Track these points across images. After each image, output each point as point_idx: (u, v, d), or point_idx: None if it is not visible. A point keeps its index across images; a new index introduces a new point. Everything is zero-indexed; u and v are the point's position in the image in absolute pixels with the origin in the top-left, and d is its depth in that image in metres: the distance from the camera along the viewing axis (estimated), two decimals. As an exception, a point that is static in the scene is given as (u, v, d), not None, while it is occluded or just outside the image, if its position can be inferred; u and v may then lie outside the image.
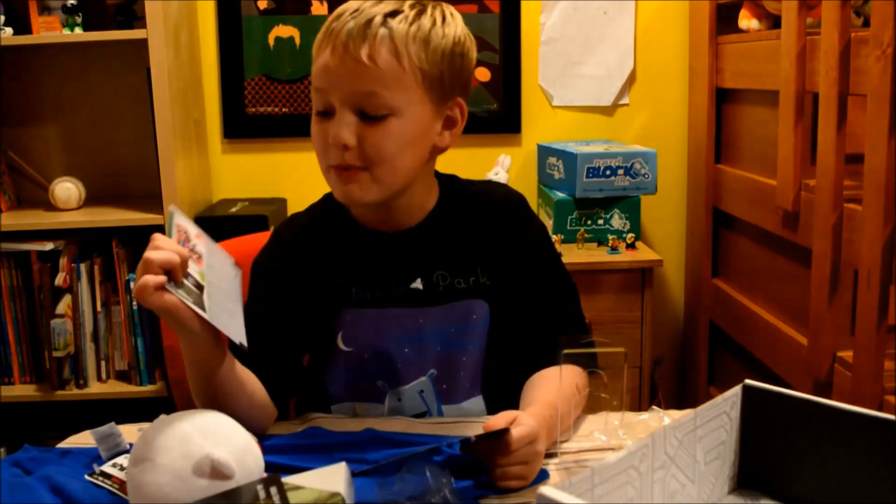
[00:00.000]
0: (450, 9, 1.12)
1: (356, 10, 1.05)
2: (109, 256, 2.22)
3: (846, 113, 1.58)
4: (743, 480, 0.91)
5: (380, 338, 1.16)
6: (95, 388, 2.23)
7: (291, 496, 0.81)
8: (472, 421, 1.14)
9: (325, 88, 1.06)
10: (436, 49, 1.06)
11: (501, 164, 2.33)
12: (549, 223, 2.27)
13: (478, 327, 1.18)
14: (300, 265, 1.18)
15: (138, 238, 1.94)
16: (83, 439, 1.08)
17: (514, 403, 1.10)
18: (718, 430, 0.87)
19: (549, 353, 1.13)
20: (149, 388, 2.23)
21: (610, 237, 2.19)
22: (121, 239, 2.22)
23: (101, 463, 0.99)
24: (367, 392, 1.19)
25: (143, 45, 2.07)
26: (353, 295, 1.16)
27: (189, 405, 1.03)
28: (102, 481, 0.96)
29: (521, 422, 0.95)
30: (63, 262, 2.16)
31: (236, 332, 0.97)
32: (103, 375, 2.25)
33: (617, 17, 2.45)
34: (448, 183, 1.22)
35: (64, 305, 2.17)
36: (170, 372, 1.35)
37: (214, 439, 0.85)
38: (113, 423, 1.03)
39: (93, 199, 2.32)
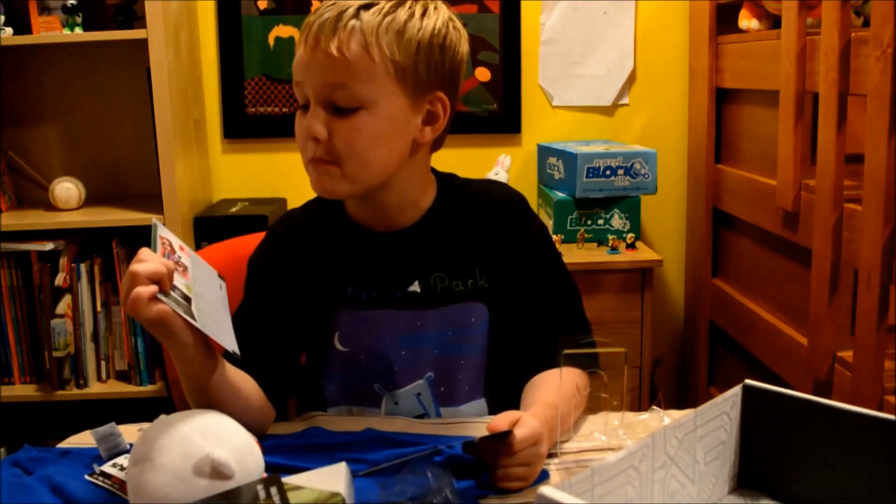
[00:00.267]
0: (435, 3, 1.10)
1: (331, 5, 1.05)
2: (109, 256, 2.22)
3: (846, 113, 1.58)
4: (743, 480, 0.91)
5: (376, 340, 1.16)
6: (95, 388, 2.23)
7: (291, 496, 0.81)
8: (473, 421, 1.14)
9: (300, 82, 1.07)
10: (410, 40, 1.05)
11: (501, 164, 2.33)
12: (549, 223, 2.27)
13: (476, 330, 1.18)
14: (296, 262, 1.17)
15: (138, 238, 1.94)
16: (83, 439, 1.08)
17: (517, 406, 1.10)
18: (718, 430, 0.87)
19: (551, 355, 1.12)
20: (149, 388, 2.24)
21: (610, 237, 2.19)
22: (121, 239, 2.22)
23: (101, 463, 0.99)
24: (363, 396, 1.19)
25: (143, 45, 2.07)
26: (349, 295, 1.16)
27: (189, 405, 1.02)
28: (102, 481, 0.96)
29: (525, 423, 0.95)
30: (63, 262, 2.16)
31: (228, 340, 0.97)
32: (103, 375, 2.25)
33: (617, 17, 2.45)
34: (446, 182, 1.21)
35: (64, 305, 2.17)
36: (170, 372, 1.35)
37: (214, 439, 0.85)
38: (113, 423, 1.02)
39: (93, 199, 2.32)
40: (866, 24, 1.67)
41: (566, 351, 1.01)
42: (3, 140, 2.38)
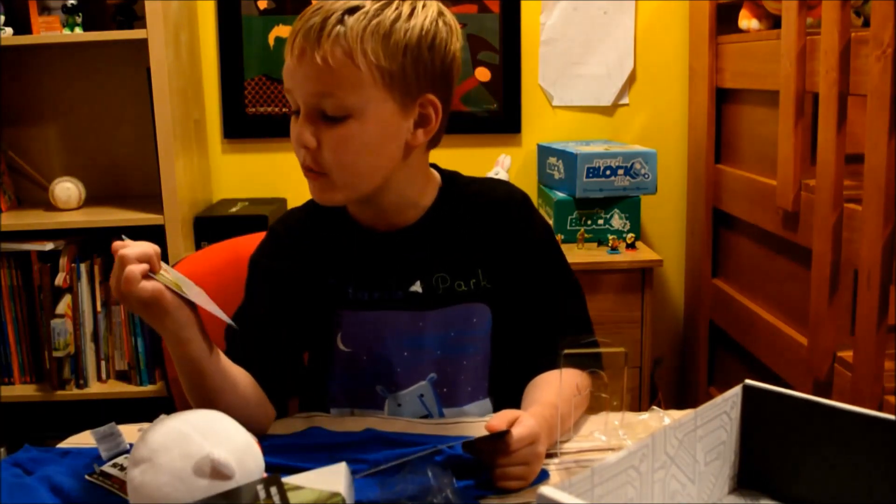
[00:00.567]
0: (424, 0, 1.07)
1: (318, 9, 1.03)
2: (109, 256, 2.19)
3: (846, 113, 1.58)
4: (743, 480, 0.91)
5: (378, 341, 1.16)
6: (95, 388, 2.23)
7: (291, 496, 0.81)
8: (472, 421, 1.14)
9: (290, 89, 1.06)
10: (396, 44, 1.02)
11: (501, 164, 2.33)
12: (549, 223, 2.27)
13: (478, 331, 1.17)
14: (296, 262, 1.17)
15: (138, 238, 1.93)
16: (83, 439, 1.08)
17: (516, 407, 1.10)
18: (718, 430, 0.87)
19: (553, 355, 1.11)
20: (149, 388, 2.24)
21: (610, 237, 2.19)
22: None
23: (101, 463, 0.99)
24: (366, 398, 1.18)
25: (143, 45, 2.07)
26: (350, 295, 1.16)
27: (189, 405, 1.02)
28: (102, 481, 0.96)
29: (522, 422, 0.95)
30: (63, 262, 2.16)
31: (222, 315, 0.98)
32: (103, 375, 2.25)
33: (617, 17, 2.45)
34: (449, 180, 1.20)
35: (64, 305, 2.17)
36: (170, 372, 1.35)
37: (214, 439, 0.85)
38: (113, 423, 1.02)
39: (93, 199, 2.32)
40: (866, 24, 1.67)
41: (566, 351, 1.01)
42: (3, 140, 2.38)
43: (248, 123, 2.46)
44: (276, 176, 2.48)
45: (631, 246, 2.19)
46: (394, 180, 1.11)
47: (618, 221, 2.25)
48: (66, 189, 2.24)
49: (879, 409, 1.09)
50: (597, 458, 1.00)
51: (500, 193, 1.22)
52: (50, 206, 2.26)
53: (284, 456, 1.00)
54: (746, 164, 2.15)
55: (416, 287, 1.15)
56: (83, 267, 2.19)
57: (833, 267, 1.61)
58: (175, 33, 2.17)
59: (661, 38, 2.48)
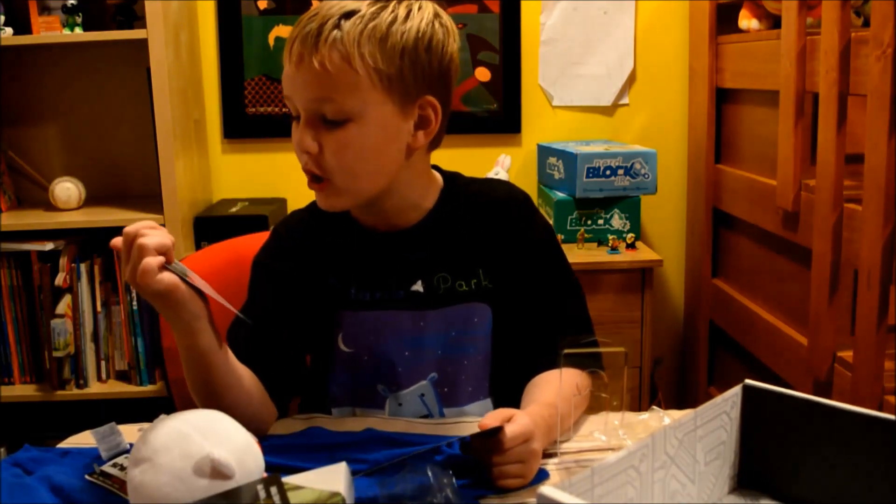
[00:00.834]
0: (420, 2, 1.07)
1: (314, 14, 1.04)
2: (109, 256, 2.22)
3: (846, 113, 1.58)
4: (743, 480, 0.91)
5: (379, 340, 1.16)
6: (95, 388, 2.23)
7: (291, 496, 0.81)
8: (472, 421, 1.13)
9: (289, 96, 1.07)
10: (393, 46, 1.03)
11: (501, 164, 2.33)
12: (550, 223, 2.27)
13: (479, 331, 1.17)
14: (299, 263, 1.17)
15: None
16: (83, 439, 1.08)
17: (516, 406, 1.10)
18: (718, 430, 0.87)
19: (553, 355, 1.11)
20: (149, 388, 2.24)
21: (610, 237, 2.19)
22: (121, 239, 2.22)
23: (101, 463, 0.99)
24: (367, 396, 1.18)
25: (143, 45, 2.07)
26: (352, 295, 1.16)
27: (189, 405, 1.02)
28: (102, 481, 0.96)
29: (516, 420, 0.95)
30: (63, 262, 2.16)
31: (233, 307, 0.99)
32: (103, 375, 2.25)
33: (617, 17, 2.45)
34: (450, 181, 1.20)
35: (64, 305, 2.17)
36: (170, 372, 1.36)
37: (214, 439, 0.85)
38: (113, 423, 1.02)
39: (93, 199, 2.32)
40: (866, 24, 1.67)
41: (566, 351, 1.01)
42: (3, 140, 2.38)
43: (248, 123, 2.46)
44: (276, 176, 2.48)
45: (631, 246, 2.19)
46: (396, 183, 1.11)
47: (618, 221, 2.25)
48: (66, 189, 2.24)
49: (879, 409, 1.09)
50: (597, 458, 1.00)
51: (501, 194, 1.22)
52: (50, 206, 2.26)
53: (284, 456, 1.00)
54: (746, 164, 2.15)
55: (418, 287, 1.16)
56: (83, 267, 2.19)
57: (833, 267, 1.61)
58: (175, 33, 2.17)
59: (661, 38, 2.48)
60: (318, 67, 1.01)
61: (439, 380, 1.17)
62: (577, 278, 1.22)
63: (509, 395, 1.17)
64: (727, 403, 0.88)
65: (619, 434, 1.04)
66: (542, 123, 2.50)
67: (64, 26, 2.13)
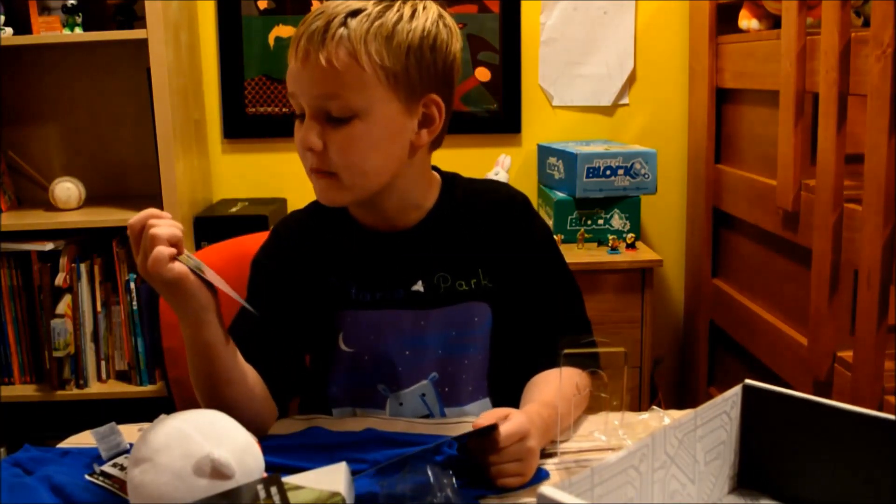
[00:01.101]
0: (425, 2, 1.09)
1: (320, 13, 1.04)
2: (109, 256, 2.22)
3: (846, 113, 1.58)
4: (743, 480, 0.91)
5: (380, 340, 1.16)
6: (95, 388, 2.23)
7: (291, 496, 0.81)
8: (472, 421, 1.13)
9: (294, 93, 1.07)
10: (399, 45, 1.04)
11: (501, 164, 2.33)
12: (549, 223, 2.27)
13: (479, 330, 1.18)
14: (298, 263, 1.18)
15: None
16: (83, 439, 1.08)
17: (516, 405, 1.10)
18: (718, 429, 0.87)
19: (552, 355, 1.12)
20: (149, 388, 2.24)
21: (610, 237, 2.19)
22: (121, 239, 2.22)
23: (101, 463, 0.99)
24: (368, 397, 1.19)
25: (143, 45, 2.07)
26: (352, 295, 1.16)
27: (189, 405, 1.03)
28: (102, 481, 0.96)
29: (511, 419, 0.95)
30: (63, 262, 2.16)
31: (240, 300, 1.00)
32: (103, 375, 2.25)
33: (617, 17, 2.45)
34: (449, 181, 1.21)
35: (64, 305, 2.17)
36: (170, 372, 1.36)
37: (215, 439, 0.85)
38: (113, 423, 1.03)
39: (93, 199, 2.32)
40: (866, 24, 1.67)
41: (566, 351, 1.01)
42: (3, 140, 2.38)
43: (248, 123, 2.46)
44: (276, 176, 2.48)
45: (631, 246, 2.19)
46: (398, 181, 1.11)
47: (618, 221, 2.25)
48: (66, 189, 2.24)
49: (879, 409, 1.09)
50: (597, 458, 1.00)
51: (501, 195, 1.23)
52: (50, 206, 2.26)
53: (284, 456, 1.00)
54: (746, 164, 2.15)
55: (418, 287, 1.16)
56: (83, 267, 2.19)
57: (833, 267, 1.61)
58: (175, 33, 2.17)
59: (661, 38, 2.48)
60: (325, 64, 1.02)
61: (440, 379, 1.18)
62: (576, 280, 1.23)
63: (507, 395, 1.17)
64: (727, 403, 0.88)
65: (619, 434, 1.04)
66: (542, 123, 2.50)
67: (64, 26, 2.13)
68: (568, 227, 2.24)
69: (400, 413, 1.18)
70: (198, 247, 2.18)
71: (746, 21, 2.08)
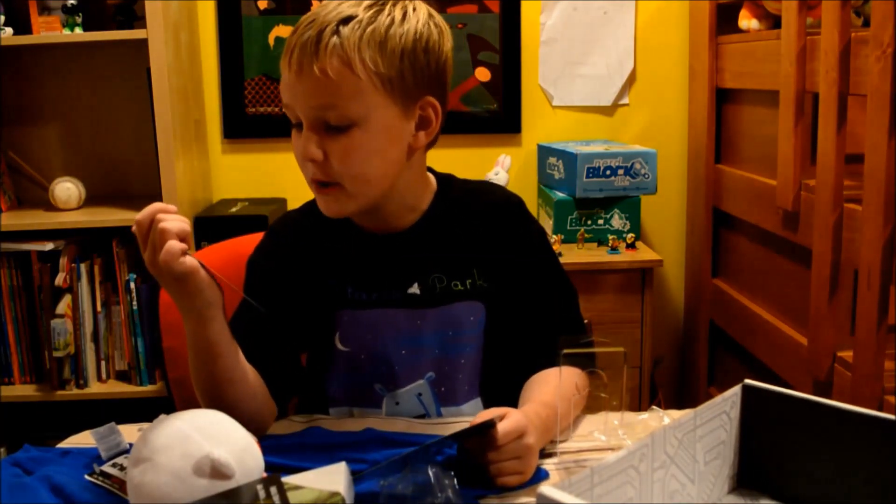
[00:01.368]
0: (414, 3, 1.08)
1: (311, 22, 1.04)
2: (109, 256, 2.22)
3: (846, 113, 1.58)
4: (743, 480, 0.91)
5: (376, 340, 1.16)
6: (95, 388, 2.23)
7: (291, 496, 0.81)
8: (470, 421, 1.14)
9: (289, 104, 1.06)
10: (393, 50, 1.03)
11: (501, 164, 2.33)
12: (549, 223, 2.27)
13: (475, 330, 1.18)
14: (294, 263, 1.18)
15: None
16: (83, 439, 1.08)
17: (513, 406, 1.10)
18: (718, 429, 0.87)
19: (547, 355, 1.12)
20: (149, 388, 2.23)
21: (610, 237, 2.19)
22: (121, 239, 2.22)
23: (101, 463, 0.99)
24: (364, 396, 1.19)
25: (143, 45, 2.07)
26: (349, 295, 1.16)
27: (189, 405, 1.03)
28: (102, 481, 0.96)
29: (509, 417, 0.95)
30: (63, 262, 2.16)
31: (251, 300, 1.02)
32: (103, 375, 2.25)
33: (617, 17, 2.45)
34: (444, 183, 1.21)
35: (64, 305, 2.17)
36: (170, 372, 1.35)
37: (214, 439, 0.85)
38: (113, 423, 1.03)
39: (93, 199, 2.32)
40: (866, 24, 1.67)
41: (565, 350, 1.01)
42: (3, 140, 2.38)
43: (248, 123, 2.46)
44: (276, 176, 2.48)
45: (631, 246, 2.19)
46: (396, 184, 1.11)
47: (618, 221, 2.25)
48: (66, 189, 2.24)
49: (879, 409, 1.09)
50: (596, 458, 1.00)
51: (496, 196, 1.23)
52: (50, 206, 2.26)
53: (284, 456, 1.00)
54: (746, 164, 2.15)
55: (414, 288, 1.16)
56: (83, 267, 2.18)
57: (833, 267, 1.61)
58: (175, 33, 2.17)
59: (661, 38, 2.48)
60: (320, 75, 1.01)
61: (436, 379, 1.18)
62: (570, 280, 1.23)
63: (499, 395, 1.17)
64: (727, 403, 0.88)
65: (618, 434, 1.04)
66: (541, 123, 2.50)
67: (64, 26, 2.13)
68: (568, 227, 2.24)
69: (396, 412, 1.18)
70: (198, 247, 2.18)
71: (746, 21, 2.08)
